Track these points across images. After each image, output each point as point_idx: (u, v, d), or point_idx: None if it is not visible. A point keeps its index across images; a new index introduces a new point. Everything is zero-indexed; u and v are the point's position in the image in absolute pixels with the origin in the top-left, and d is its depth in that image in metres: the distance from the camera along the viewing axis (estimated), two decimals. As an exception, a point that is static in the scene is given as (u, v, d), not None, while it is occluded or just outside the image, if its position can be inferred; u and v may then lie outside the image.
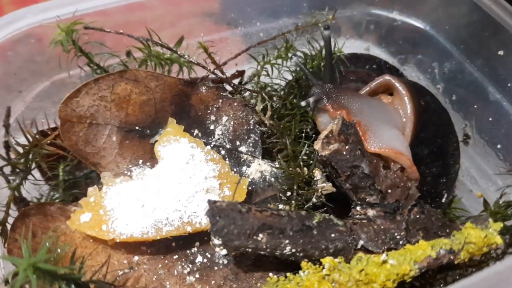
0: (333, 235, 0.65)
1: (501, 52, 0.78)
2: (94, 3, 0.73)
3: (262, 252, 0.63)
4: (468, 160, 0.87)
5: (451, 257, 0.64)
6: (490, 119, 0.82)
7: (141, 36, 0.73)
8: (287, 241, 0.63)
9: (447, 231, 0.71)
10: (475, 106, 0.84)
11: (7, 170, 0.68)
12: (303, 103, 0.76)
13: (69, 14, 0.73)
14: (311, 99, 0.75)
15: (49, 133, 0.68)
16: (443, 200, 0.81)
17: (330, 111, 0.74)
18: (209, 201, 0.61)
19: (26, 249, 0.49)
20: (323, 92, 0.74)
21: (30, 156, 0.65)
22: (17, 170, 0.65)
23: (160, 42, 0.74)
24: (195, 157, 0.70)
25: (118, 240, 0.64)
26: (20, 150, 0.65)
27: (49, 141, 0.66)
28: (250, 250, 0.62)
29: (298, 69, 0.83)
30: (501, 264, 0.54)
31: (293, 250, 0.63)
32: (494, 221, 0.65)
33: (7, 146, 0.69)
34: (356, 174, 0.70)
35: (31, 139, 0.65)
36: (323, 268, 0.62)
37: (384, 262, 0.63)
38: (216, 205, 0.61)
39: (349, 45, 0.95)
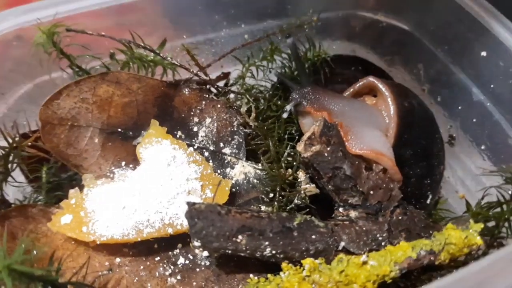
0: (313, 236, 0.65)
1: (484, 54, 0.78)
2: (78, 5, 0.73)
3: (242, 254, 0.63)
4: (454, 161, 0.87)
5: (432, 257, 0.64)
6: (474, 120, 0.82)
7: (123, 38, 0.73)
8: (267, 243, 0.63)
9: (430, 232, 0.71)
10: (460, 107, 0.84)
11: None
12: (284, 115, 0.76)
13: (52, 17, 0.73)
14: (290, 105, 0.75)
15: (31, 135, 0.68)
16: (428, 201, 0.81)
17: (311, 112, 0.74)
18: (188, 203, 0.61)
19: (1, 250, 0.49)
20: (301, 96, 0.74)
21: (10, 158, 0.65)
22: (-3, 172, 0.66)
23: (142, 44, 0.74)
24: (177, 159, 0.70)
25: (98, 242, 0.64)
26: (0, 152, 0.65)
27: (29, 143, 0.66)
28: (230, 251, 0.62)
29: (282, 70, 0.83)
30: (477, 264, 0.53)
31: (273, 252, 0.63)
32: (475, 222, 0.65)
33: (-12, 149, 0.69)
34: (338, 176, 0.70)
35: (11, 141, 0.65)
36: (304, 269, 0.62)
37: (365, 263, 0.63)
38: (195, 207, 0.60)
39: (335, 47, 0.96)
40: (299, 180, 0.75)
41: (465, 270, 0.53)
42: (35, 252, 0.53)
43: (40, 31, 0.68)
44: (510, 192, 0.68)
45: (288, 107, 0.76)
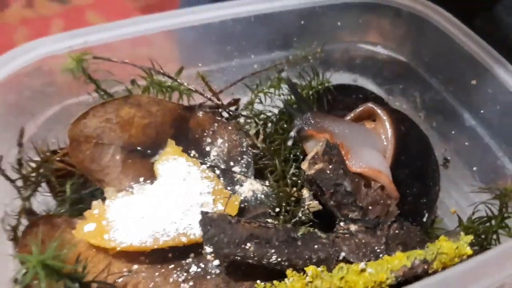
0: (316, 246, 0.71)
1: (474, 82, 0.85)
2: (102, 35, 0.81)
3: (250, 261, 0.68)
4: (449, 182, 0.92)
5: (425, 266, 0.69)
6: (466, 143, 0.88)
7: (144, 66, 0.81)
8: (273, 251, 0.68)
9: (425, 247, 0.76)
10: (453, 132, 0.91)
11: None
12: (289, 142, 0.83)
13: (78, 46, 0.81)
14: (293, 131, 0.81)
15: (59, 151, 0.75)
16: (424, 219, 0.87)
17: (314, 135, 0.80)
18: (202, 212, 0.67)
19: (36, 248, 0.55)
20: (303, 122, 0.81)
21: (41, 171, 0.72)
22: (29, 183, 0.72)
23: (161, 71, 0.82)
24: (191, 175, 0.76)
25: (118, 248, 0.70)
26: (33, 165, 0.72)
27: (58, 158, 0.73)
28: (239, 258, 0.68)
29: (287, 97, 0.90)
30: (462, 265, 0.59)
31: (279, 259, 0.68)
32: (465, 235, 0.71)
33: (19, 163, 0.76)
34: (339, 192, 0.76)
35: (42, 156, 0.72)
36: (307, 275, 0.68)
37: (363, 270, 0.68)
38: (208, 216, 0.67)
39: (337, 77, 1.03)
40: (303, 197, 0.81)
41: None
42: (64, 250, 0.59)
43: (70, 58, 0.76)
44: (498, 207, 0.73)
45: (291, 134, 0.83)
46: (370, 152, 0.80)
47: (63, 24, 1.77)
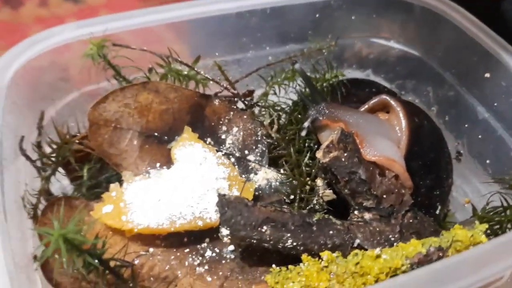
0: (331, 232, 0.71)
1: (487, 75, 0.86)
2: (122, 23, 0.83)
3: (266, 245, 0.69)
4: (461, 177, 0.93)
5: (440, 253, 0.69)
6: (480, 136, 0.89)
7: (163, 54, 0.82)
8: (288, 235, 0.69)
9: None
10: (466, 125, 0.91)
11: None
12: (303, 133, 0.83)
13: (98, 33, 0.82)
14: (307, 121, 0.82)
15: (78, 135, 0.76)
16: (437, 211, 0.87)
17: (328, 124, 0.81)
18: (219, 194, 0.68)
19: (57, 223, 0.56)
20: (317, 112, 0.82)
21: (61, 152, 0.73)
22: (48, 164, 0.73)
23: (179, 59, 0.83)
24: (207, 160, 0.77)
25: (136, 230, 0.70)
26: (53, 147, 0.73)
27: (77, 140, 0.74)
28: (255, 241, 0.68)
29: (301, 89, 0.91)
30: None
31: (294, 244, 0.69)
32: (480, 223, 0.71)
33: (39, 145, 0.77)
34: (353, 180, 0.76)
35: (62, 138, 0.73)
36: (322, 260, 0.68)
37: (378, 256, 0.68)
38: (225, 197, 0.67)
39: (350, 71, 1.04)
40: (317, 186, 0.82)
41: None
42: (85, 227, 0.59)
43: (91, 44, 0.78)
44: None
45: (305, 124, 0.83)
46: (384, 141, 0.81)
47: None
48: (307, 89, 0.95)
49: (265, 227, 0.68)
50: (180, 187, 0.74)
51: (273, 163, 0.85)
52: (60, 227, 0.56)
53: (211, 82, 0.86)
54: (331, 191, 0.81)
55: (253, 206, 0.68)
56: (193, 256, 0.74)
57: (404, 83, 1.02)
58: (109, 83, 0.83)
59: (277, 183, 0.82)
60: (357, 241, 0.72)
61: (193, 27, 0.89)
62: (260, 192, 0.82)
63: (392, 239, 0.74)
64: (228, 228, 0.66)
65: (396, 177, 0.79)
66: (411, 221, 0.77)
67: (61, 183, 0.83)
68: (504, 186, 0.77)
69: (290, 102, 0.94)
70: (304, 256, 0.69)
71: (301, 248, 0.70)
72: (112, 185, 0.74)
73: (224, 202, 0.67)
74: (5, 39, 1.76)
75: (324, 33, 0.95)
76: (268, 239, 0.68)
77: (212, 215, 0.73)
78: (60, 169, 0.80)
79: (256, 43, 0.94)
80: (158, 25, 0.85)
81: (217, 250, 0.75)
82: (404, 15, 0.97)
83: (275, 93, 0.94)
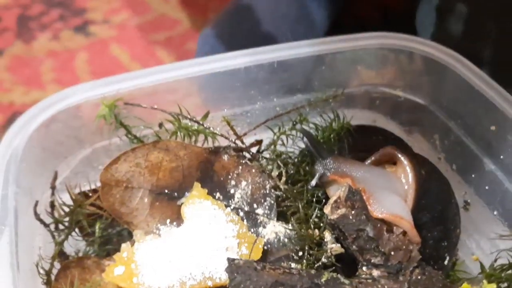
0: (340, 292, 0.72)
1: (493, 128, 0.86)
2: (132, 83, 0.85)
3: (275, 307, 0.70)
4: (470, 225, 0.93)
5: (449, 315, 0.70)
6: (487, 187, 0.89)
7: (173, 112, 0.84)
8: (298, 297, 0.70)
9: (448, 291, 0.77)
10: (473, 175, 0.92)
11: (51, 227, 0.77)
12: (313, 182, 0.85)
13: (110, 92, 0.84)
14: (315, 178, 0.84)
15: (90, 194, 0.78)
16: (446, 262, 0.87)
17: (336, 179, 0.82)
18: (228, 259, 0.69)
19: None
20: (324, 167, 0.83)
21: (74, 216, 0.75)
22: (62, 227, 0.75)
23: (189, 116, 0.85)
24: (216, 218, 0.79)
25: (147, 292, 0.72)
26: (66, 209, 0.75)
27: (90, 202, 0.76)
28: (264, 304, 0.69)
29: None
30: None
31: (303, 306, 0.70)
32: (488, 283, 0.71)
33: (52, 205, 0.79)
34: (361, 237, 0.77)
35: (75, 200, 0.75)
36: (331, 323, 0.69)
37: (386, 318, 0.69)
38: (235, 263, 0.69)
39: (358, 117, 1.05)
40: (325, 240, 0.83)
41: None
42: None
43: (103, 105, 0.80)
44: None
45: (313, 182, 0.85)
46: (391, 197, 0.82)
47: (88, 57, 1.85)
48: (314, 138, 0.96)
49: (274, 291, 0.69)
50: (190, 247, 0.75)
51: (282, 215, 0.86)
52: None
53: (220, 136, 0.88)
54: (339, 245, 0.81)
55: (262, 270, 0.69)
56: (204, 316, 0.75)
57: (411, 129, 1.03)
58: (120, 139, 0.85)
59: (285, 239, 0.82)
60: (366, 300, 0.73)
61: (203, 83, 0.91)
62: (269, 246, 0.83)
63: (401, 297, 0.75)
64: (237, 293, 0.67)
65: (404, 233, 0.80)
66: (419, 277, 0.77)
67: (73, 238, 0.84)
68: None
69: (297, 152, 0.96)
70: (313, 318, 0.70)
71: (310, 310, 0.70)
72: (123, 245, 0.76)
73: (233, 268, 0.68)
74: (18, 73, 1.80)
75: (330, 83, 0.97)
76: (277, 302, 0.69)
77: (221, 275, 0.74)
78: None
79: (264, 95, 0.96)
80: (168, 82, 0.87)
81: (227, 309, 0.76)
82: (409, 64, 0.99)
83: (283, 143, 0.95)
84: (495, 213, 0.88)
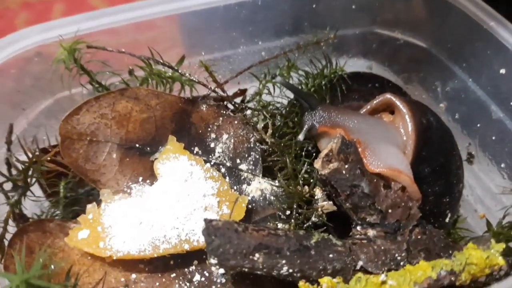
0: (331, 255, 0.64)
1: (503, 71, 0.77)
2: (97, 22, 0.74)
3: (259, 272, 0.62)
4: (473, 179, 0.86)
5: (452, 278, 0.63)
6: (494, 137, 0.81)
7: (143, 55, 0.74)
8: (284, 261, 0.62)
9: (450, 252, 0.70)
10: (478, 125, 0.84)
11: (8, 186, 0.69)
12: (300, 137, 0.76)
13: (72, 34, 0.74)
14: (303, 131, 0.75)
15: (50, 150, 0.69)
16: (447, 219, 0.80)
17: (327, 131, 0.74)
18: (205, 220, 0.61)
19: (19, 265, 0.49)
20: (313, 119, 0.74)
21: (30, 173, 0.66)
22: (17, 186, 0.66)
23: (161, 61, 0.75)
24: (194, 175, 0.70)
25: (115, 257, 0.64)
26: (20, 166, 0.66)
27: (49, 158, 0.66)
28: (246, 269, 0.62)
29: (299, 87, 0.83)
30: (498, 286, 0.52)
31: (290, 270, 0.62)
32: (496, 242, 0.64)
33: (8, 163, 0.70)
34: (356, 194, 0.69)
35: (31, 156, 0.66)
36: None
37: (383, 282, 0.62)
38: (212, 224, 0.60)
39: (352, 64, 0.95)
40: (316, 197, 0.75)
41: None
42: (52, 267, 0.53)
43: (62, 48, 0.69)
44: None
45: (301, 136, 0.76)
46: (389, 149, 0.73)
47: (64, 8, 1.72)
48: (304, 87, 0.87)
49: (257, 255, 0.61)
50: (164, 207, 0.67)
51: (268, 171, 0.78)
52: (22, 270, 0.49)
53: (198, 83, 0.78)
54: (331, 203, 0.74)
55: (243, 231, 0.61)
56: (180, 282, 0.68)
57: (410, 77, 0.94)
58: (85, 88, 0.75)
59: (272, 197, 0.75)
60: (360, 263, 0.66)
61: (175, 23, 0.80)
62: (253, 204, 0.75)
63: (399, 258, 0.68)
64: (215, 258, 0.60)
65: (403, 189, 0.72)
66: (419, 237, 0.70)
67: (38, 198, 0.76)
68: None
69: (285, 102, 0.87)
70: (301, 283, 0.63)
71: (298, 274, 0.63)
72: (89, 206, 0.67)
73: (211, 230, 0.60)
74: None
75: (322, 25, 0.86)
76: (261, 267, 0.61)
77: (200, 237, 0.66)
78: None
79: (248, 38, 0.86)
80: (136, 23, 0.76)
81: (206, 274, 0.68)
82: (410, 2, 0.88)
83: (269, 92, 0.86)
84: (502, 165, 0.80)
